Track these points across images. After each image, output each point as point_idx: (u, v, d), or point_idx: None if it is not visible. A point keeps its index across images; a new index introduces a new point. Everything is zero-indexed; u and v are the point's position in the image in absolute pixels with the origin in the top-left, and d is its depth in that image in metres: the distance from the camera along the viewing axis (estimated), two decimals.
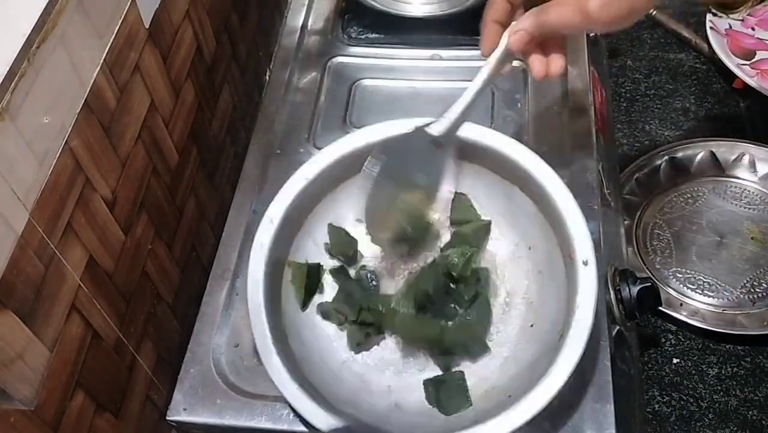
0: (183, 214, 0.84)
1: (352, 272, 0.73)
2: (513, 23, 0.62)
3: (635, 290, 0.74)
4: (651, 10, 1.37)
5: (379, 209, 0.67)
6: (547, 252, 0.69)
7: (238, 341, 0.73)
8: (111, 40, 0.65)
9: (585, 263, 0.63)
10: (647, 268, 1.03)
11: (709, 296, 1.00)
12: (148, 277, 0.75)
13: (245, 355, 0.72)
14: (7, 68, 0.51)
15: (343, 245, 0.73)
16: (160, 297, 0.78)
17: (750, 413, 0.92)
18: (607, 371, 0.68)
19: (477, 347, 0.67)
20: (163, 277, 0.78)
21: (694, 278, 1.02)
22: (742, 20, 1.31)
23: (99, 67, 0.63)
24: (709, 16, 1.29)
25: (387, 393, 0.67)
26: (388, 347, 0.70)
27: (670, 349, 0.98)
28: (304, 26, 1.03)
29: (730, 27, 1.29)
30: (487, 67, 0.64)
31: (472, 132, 0.71)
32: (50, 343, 0.57)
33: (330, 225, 0.74)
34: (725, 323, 0.98)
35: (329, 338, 0.70)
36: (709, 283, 1.02)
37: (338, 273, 0.72)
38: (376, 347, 0.70)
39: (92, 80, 0.62)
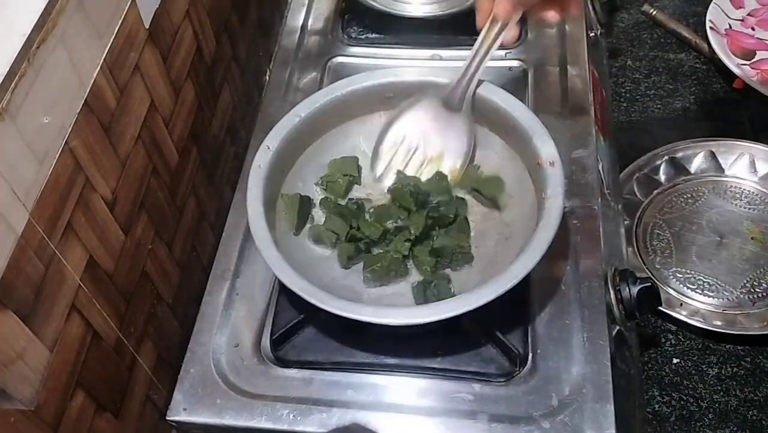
0: (183, 214, 0.84)
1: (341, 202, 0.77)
2: None
3: (635, 290, 0.74)
4: (651, 11, 1.37)
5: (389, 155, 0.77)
6: (517, 178, 0.74)
7: (238, 341, 0.73)
8: (111, 40, 0.65)
9: (551, 164, 0.69)
10: (647, 268, 1.03)
11: (709, 296, 1.00)
12: (148, 277, 0.75)
13: (245, 355, 0.72)
14: (7, 68, 0.51)
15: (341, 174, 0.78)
16: (160, 297, 0.78)
17: (750, 413, 0.92)
18: (607, 371, 0.68)
19: (462, 255, 0.72)
20: (163, 277, 0.78)
21: (694, 278, 1.02)
22: (742, 20, 1.31)
23: (99, 67, 0.63)
24: (709, 16, 1.29)
25: (378, 301, 0.70)
26: None
27: (670, 349, 0.98)
28: (304, 26, 1.03)
29: (730, 27, 1.29)
30: (482, 37, 0.70)
31: (441, 79, 0.76)
32: (50, 343, 0.57)
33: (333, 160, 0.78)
34: (725, 323, 0.98)
35: (320, 259, 0.73)
36: (709, 283, 1.01)
37: (327, 201, 0.76)
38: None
39: (92, 80, 0.62)
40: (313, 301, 0.63)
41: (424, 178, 0.77)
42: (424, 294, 0.70)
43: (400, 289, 0.72)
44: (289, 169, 0.76)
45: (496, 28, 0.70)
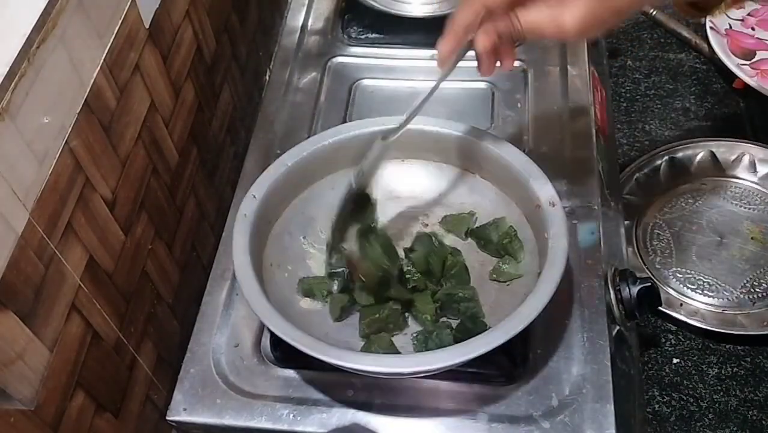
0: (183, 214, 0.84)
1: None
2: (485, 24, 0.59)
3: (635, 290, 0.74)
4: (651, 11, 1.37)
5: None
6: (514, 224, 0.73)
7: (238, 341, 0.73)
8: (111, 40, 0.65)
9: (552, 204, 0.67)
10: (647, 268, 1.03)
11: (709, 296, 1.00)
12: (148, 277, 0.75)
13: (245, 355, 0.72)
14: (7, 68, 0.51)
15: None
16: (160, 297, 0.78)
17: (750, 413, 0.92)
18: (607, 371, 0.68)
19: (466, 303, 0.70)
20: (163, 277, 0.78)
21: (694, 278, 1.02)
22: (742, 20, 1.31)
23: (99, 67, 0.63)
24: (709, 16, 1.29)
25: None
26: None
27: (670, 349, 0.98)
28: (304, 26, 1.03)
29: (730, 27, 1.29)
30: (445, 71, 0.63)
31: (428, 127, 0.75)
32: (50, 343, 0.57)
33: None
34: (725, 323, 0.98)
35: (311, 314, 0.72)
36: (709, 283, 1.01)
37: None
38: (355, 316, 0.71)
39: (92, 80, 0.62)
40: (314, 353, 0.61)
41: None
42: (425, 344, 0.68)
43: (398, 341, 0.69)
44: (276, 219, 0.74)
45: (459, 59, 0.63)
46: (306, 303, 0.73)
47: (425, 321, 0.70)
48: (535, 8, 0.56)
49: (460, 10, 0.59)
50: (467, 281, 0.72)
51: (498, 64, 0.61)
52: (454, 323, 0.70)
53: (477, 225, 0.76)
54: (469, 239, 0.76)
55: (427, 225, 0.78)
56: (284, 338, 0.61)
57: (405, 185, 0.79)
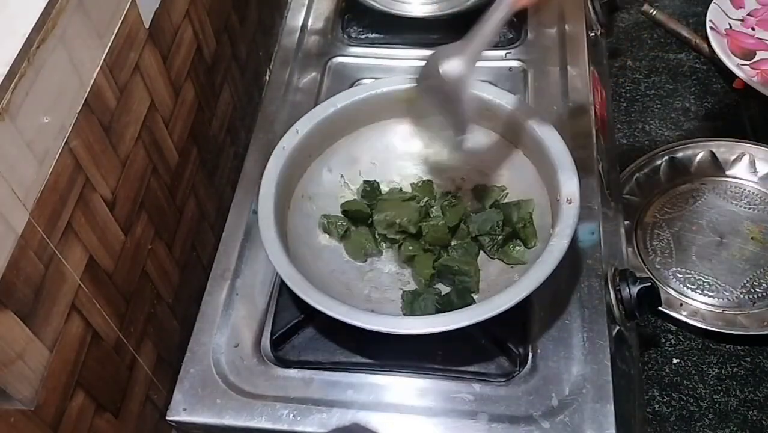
0: (183, 214, 0.84)
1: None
2: None
3: (635, 290, 0.74)
4: (651, 11, 1.37)
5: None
6: (539, 212, 0.74)
7: (238, 341, 0.73)
8: (111, 40, 0.65)
9: (569, 201, 0.67)
10: (647, 268, 1.03)
11: (709, 296, 1.00)
12: (148, 277, 0.75)
13: (245, 355, 0.72)
14: (7, 68, 0.51)
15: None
16: (160, 297, 0.78)
17: (750, 413, 0.92)
18: (607, 371, 0.68)
19: (463, 281, 0.71)
20: (163, 277, 0.78)
21: (694, 278, 1.02)
22: (742, 20, 1.31)
23: (99, 67, 0.63)
24: (709, 16, 1.29)
25: (366, 302, 0.72)
26: (379, 266, 0.75)
27: (670, 349, 0.98)
28: (304, 26, 1.03)
29: (730, 27, 1.29)
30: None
31: (486, 94, 0.76)
32: (50, 343, 0.57)
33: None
34: (725, 323, 0.98)
35: (325, 249, 0.75)
36: (709, 283, 1.01)
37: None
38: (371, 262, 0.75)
39: (92, 80, 0.62)
40: (300, 294, 0.64)
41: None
42: (411, 305, 0.70)
43: (389, 296, 0.72)
44: (318, 154, 0.77)
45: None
46: (324, 239, 0.76)
47: (420, 282, 0.72)
48: None
49: None
50: (474, 254, 0.74)
51: None
52: (447, 290, 0.72)
53: (505, 200, 0.77)
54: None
55: (460, 188, 0.80)
56: (281, 273, 0.65)
57: (452, 144, 0.80)
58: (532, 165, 0.75)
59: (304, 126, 0.75)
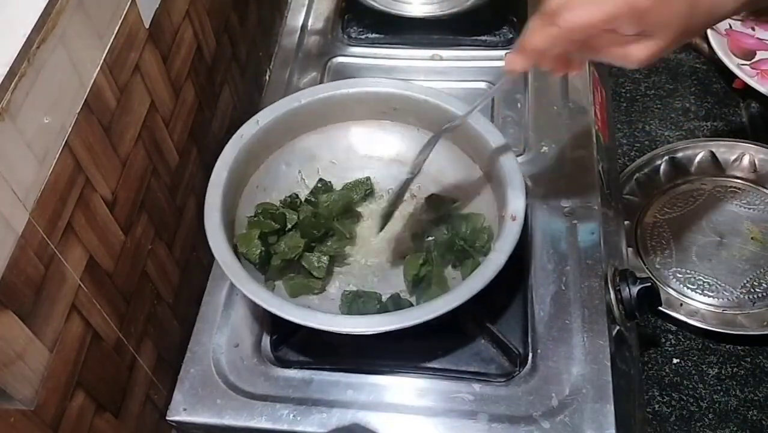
0: (183, 214, 0.84)
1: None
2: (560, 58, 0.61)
3: (635, 290, 0.74)
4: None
5: None
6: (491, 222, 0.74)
7: (238, 341, 0.73)
8: (111, 40, 0.65)
9: (513, 218, 0.68)
10: (647, 268, 1.03)
11: (709, 296, 1.00)
12: (148, 277, 0.75)
13: (245, 355, 0.72)
14: (7, 68, 0.51)
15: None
16: (160, 297, 0.78)
17: (750, 413, 0.92)
18: (607, 371, 0.68)
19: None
20: (163, 277, 0.78)
21: (694, 278, 1.02)
22: (742, 20, 1.31)
23: (99, 67, 0.63)
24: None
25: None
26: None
27: (670, 349, 0.98)
28: (304, 26, 1.03)
29: (730, 27, 1.29)
30: (503, 81, 0.66)
31: (445, 105, 0.77)
32: (50, 343, 0.57)
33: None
34: (725, 323, 0.97)
35: None
36: (709, 283, 1.01)
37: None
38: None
39: (92, 80, 0.62)
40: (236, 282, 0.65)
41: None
42: (350, 305, 0.71)
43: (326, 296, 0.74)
44: (277, 148, 0.78)
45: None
46: None
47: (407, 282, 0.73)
48: (608, 42, 0.57)
49: (540, 36, 0.58)
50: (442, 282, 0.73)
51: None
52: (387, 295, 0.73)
53: (454, 212, 0.77)
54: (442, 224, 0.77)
55: (415, 196, 0.80)
56: (218, 258, 0.66)
57: (411, 152, 0.79)
58: (487, 182, 0.76)
59: (265, 117, 0.76)
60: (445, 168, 0.79)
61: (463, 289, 0.64)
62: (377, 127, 0.81)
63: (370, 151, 0.82)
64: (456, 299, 0.63)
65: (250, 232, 0.72)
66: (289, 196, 0.78)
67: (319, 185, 0.79)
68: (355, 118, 0.81)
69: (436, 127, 0.75)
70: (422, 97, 0.78)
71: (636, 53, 0.57)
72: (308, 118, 0.79)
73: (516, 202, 0.69)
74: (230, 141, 0.73)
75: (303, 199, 0.78)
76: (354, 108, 0.80)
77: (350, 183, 0.80)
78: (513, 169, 0.72)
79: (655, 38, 0.56)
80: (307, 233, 0.74)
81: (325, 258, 0.72)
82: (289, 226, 0.74)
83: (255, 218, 0.73)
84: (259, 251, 0.70)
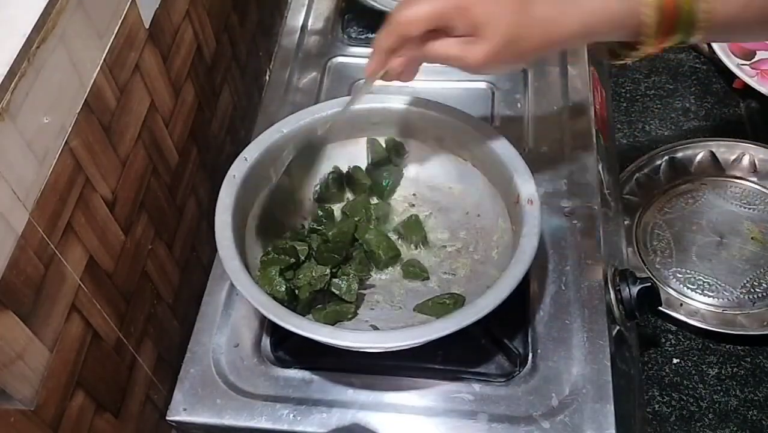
0: (183, 214, 0.84)
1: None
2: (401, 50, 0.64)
3: (635, 290, 0.74)
4: None
5: None
6: (495, 215, 0.74)
7: (238, 341, 0.73)
8: (111, 40, 0.65)
9: (530, 202, 0.68)
10: (647, 268, 1.03)
11: (709, 296, 1.00)
12: (148, 277, 0.75)
13: (245, 355, 0.72)
14: (7, 68, 0.51)
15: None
16: (160, 297, 0.78)
17: (750, 413, 0.92)
18: (607, 371, 0.68)
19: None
20: (163, 277, 0.78)
21: (694, 278, 1.02)
22: None
23: (99, 67, 0.63)
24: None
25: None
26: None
27: (670, 349, 0.98)
28: (304, 26, 1.03)
29: None
30: (366, 86, 0.69)
31: (428, 111, 0.77)
32: (50, 343, 0.57)
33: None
34: (725, 323, 0.98)
35: None
36: (709, 283, 1.01)
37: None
38: None
39: (92, 80, 0.62)
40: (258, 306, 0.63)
41: None
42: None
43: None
44: (267, 183, 0.75)
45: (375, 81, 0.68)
46: None
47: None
48: (446, 43, 0.61)
49: (384, 35, 0.64)
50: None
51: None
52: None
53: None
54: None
55: (414, 205, 0.79)
56: (255, 303, 0.64)
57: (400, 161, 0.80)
58: (482, 174, 0.76)
59: (252, 153, 0.73)
60: (435, 172, 0.79)
61: (507, 278, 0.63)
62: (360, 146, 0.80)
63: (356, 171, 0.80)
64: (504, 289, 0.62)
65: (268, 271, 0.69)
66: (292, 230, 0.76)
67: (320, 213, 0.77)
68: (336, 139, 0.79)
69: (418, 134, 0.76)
70: (401, 107, 0.77)
71: (470, 54, 0.60)
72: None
73: (527, 187, 0.69)
74: (224, 182, 0.71)
75: (308, 229, 0.76)
76: (335, 130, 0.78)
77: (347, 205, 0.78)
78: (513, 155, 0.71)
79: (486, 39, 0.59)
80: (328, 259, 0.72)
81: (354, 281, 0.71)
82: (302, 257, 0.72)
83: (268, 257, 0.71)
84: (284, 288, 0.68)
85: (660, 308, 0.92)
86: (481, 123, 0.76)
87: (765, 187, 1.11)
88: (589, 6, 0.59)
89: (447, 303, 0.68)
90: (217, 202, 0.69)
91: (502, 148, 0.72)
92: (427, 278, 0.73)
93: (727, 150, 1.14)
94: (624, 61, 0.65)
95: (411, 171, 0.80)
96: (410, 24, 0.61)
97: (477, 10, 0.58)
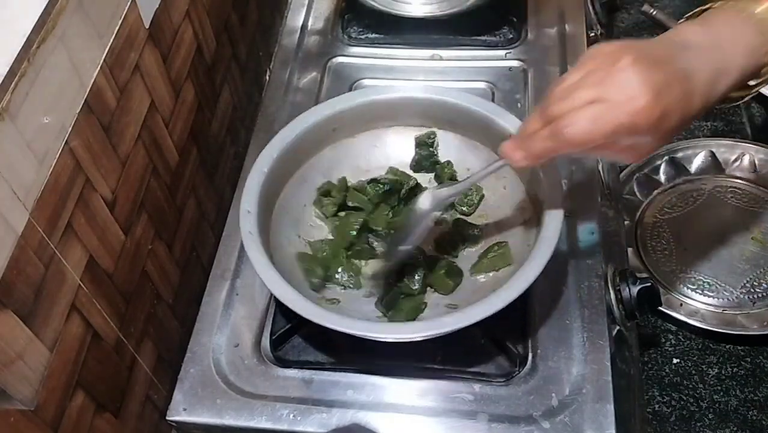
0: (183, 214, 0.84)
1: None
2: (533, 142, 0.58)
3: (635, 290, 0.74)
4: (651, 11, 1.37)
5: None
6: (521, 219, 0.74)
7: (238, 341, 0.73)
8: (111, 40, 0.65)
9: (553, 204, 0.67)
10: (647, 268, 1.03)
11: (709, 296, 1.00)
12: (148, 277, 0.75)
13: (245, 355, 0.72)
14: (7, 68, 0.51)
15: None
16: (160, 297, 0.78)
17: (750, 413, 0.92)
18: (607, 371, 0.68)
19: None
20: (163, 277, 0.78)
21: (694, 278, 1.02)
22: None
23: (99, 67, 0.63)
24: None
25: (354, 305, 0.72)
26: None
27: (670, 349, 0.98)
28: (304, 26, 1.03)
29: None
30: (495, 165, 0.64)
31: (457, 100, 0.77)
32: (50, 343, 0.57)
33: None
34: (725, 323, 0.97)
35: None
36: (709, 283, 1.01)
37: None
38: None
39: (92, 80, 0.62)
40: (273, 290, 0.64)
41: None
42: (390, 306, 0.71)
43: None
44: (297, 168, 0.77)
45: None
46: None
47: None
48: (598, 153, 0.58)
49: (536, 143, 0.57)
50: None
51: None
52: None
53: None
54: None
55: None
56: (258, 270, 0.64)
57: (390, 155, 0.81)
58: (523, 187, 0.75)
59: (281, 142, 0.74)
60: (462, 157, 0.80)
61: (536, 258, 0.63)
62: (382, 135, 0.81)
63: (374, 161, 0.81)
64: (533, 271, 0.62)
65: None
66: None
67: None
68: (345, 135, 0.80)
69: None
70: (440, 98, 0.78)
71: (632, 157, 0.57)
72: (320, 135, 0.78)
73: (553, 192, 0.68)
74: (250, 177, 0.71)
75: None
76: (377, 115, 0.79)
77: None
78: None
79: (652, 141, 0.55)
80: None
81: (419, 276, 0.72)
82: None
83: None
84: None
85: (660, 308, 0.92)
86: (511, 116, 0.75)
87: (765, 188, 1.11)
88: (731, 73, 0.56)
89: (497, 250, 0.71)
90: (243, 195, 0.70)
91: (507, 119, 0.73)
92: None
93: (727, 150, 1.14)
94: (738, 102, 0.63)
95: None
96: (577, 145, 0.54)
97: (651, 129, 0.53)
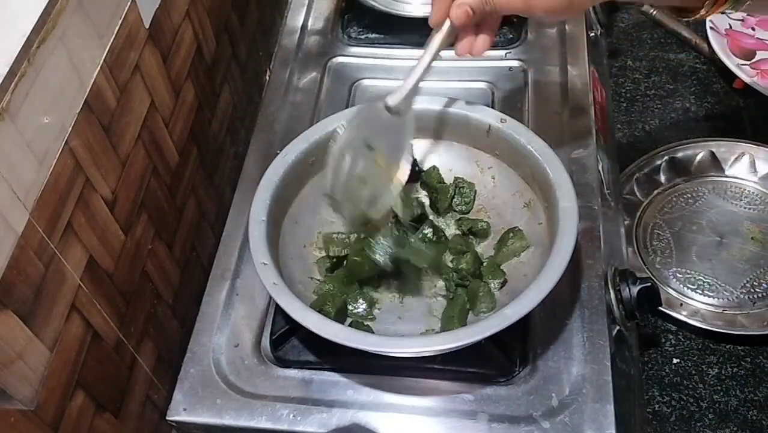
0: (183, 214, 0.84)
1: None
2: None
3: (635, 290, 0.74)
4: (651, 11, 1.37)
5: (344, 179, 0.72)
6: (530, 215, 0.74)
7: (238, 341, 0.73)
8: (111, 40, 0.65)
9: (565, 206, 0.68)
10: (647, 268, 1.03)
11: (709, 296, 1.00)
12: (148, 277, 0.75)
13: (245, 355, 0.72)
14: (7, 68, 0.51)
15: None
16: (160, 297, 0.78)
17: (750, 413, 0.92)
18: (607, 371, 0.68)
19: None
20: (163, 277, 0.78)
21: (694, 278, 1.02)
22: (742, 20, 1.31)
23: (99, 67, 0.63)
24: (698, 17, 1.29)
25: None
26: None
27: (670, 349, 0.98)
28: (304, 26, 1.03)
29: (730, 27, 1.29)
30: (436, 39, 0.68)
31: (452, 108, 0.78)
32: (50, 343, 0.57)
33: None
34: (725, 323, 0.97)
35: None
36: (709, 283, 1.01)
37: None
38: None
39: (92, 80, 0.62)
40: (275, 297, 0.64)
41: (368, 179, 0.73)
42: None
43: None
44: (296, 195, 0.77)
45: (449, 32, 0.68)
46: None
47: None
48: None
49: None
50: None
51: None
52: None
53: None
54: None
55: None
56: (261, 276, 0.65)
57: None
58: (513, 171, 0.77)
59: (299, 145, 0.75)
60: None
61: (559, 255, 0.65)
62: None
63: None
64: (556, 272, 0.64)
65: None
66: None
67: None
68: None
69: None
70: (448, 109, 0.78)
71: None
72: (301, 173, 0.77)
73: (564, 190, 0.69)
74: (257, 192, 0.71)
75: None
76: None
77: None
78: (559, 169, 0.72)
79: None
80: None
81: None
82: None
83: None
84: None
85: (660, 308, 0.92)
86: (533, 134, 0.76)
87: (765, 188, 1.11)
88: None
89: (512, 237, 0.73)
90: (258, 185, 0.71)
91: (544, 155, 0.74)
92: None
93: (727, 150, 1.14)
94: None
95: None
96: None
97: None
